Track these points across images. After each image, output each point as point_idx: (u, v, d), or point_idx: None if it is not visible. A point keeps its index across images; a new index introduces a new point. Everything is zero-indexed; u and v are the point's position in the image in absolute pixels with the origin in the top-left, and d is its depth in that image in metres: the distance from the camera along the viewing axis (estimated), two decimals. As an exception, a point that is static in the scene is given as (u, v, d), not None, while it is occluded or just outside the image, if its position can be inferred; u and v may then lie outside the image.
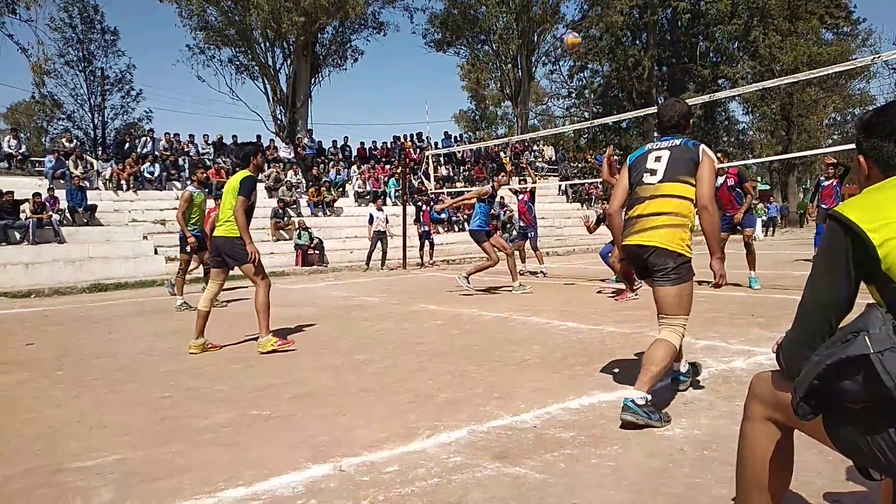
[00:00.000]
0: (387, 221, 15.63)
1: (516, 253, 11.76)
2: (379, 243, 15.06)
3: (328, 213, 19.39)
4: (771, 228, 28.24)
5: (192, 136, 20.82)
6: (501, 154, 27.03)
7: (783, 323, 1.41)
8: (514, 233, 19.83)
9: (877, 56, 11.19)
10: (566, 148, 33.48)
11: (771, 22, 32.60)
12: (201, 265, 9.07)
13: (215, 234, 5.62)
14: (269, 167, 20.54)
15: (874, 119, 1.57)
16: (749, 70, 33.16)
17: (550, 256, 18.35)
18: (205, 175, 9.28)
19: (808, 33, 32.75)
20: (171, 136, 20.38)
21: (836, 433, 1.46)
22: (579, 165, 29.22)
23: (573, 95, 43.59)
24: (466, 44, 36.09)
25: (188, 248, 8.63)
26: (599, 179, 26.52)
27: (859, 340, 1.32)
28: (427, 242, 16.61)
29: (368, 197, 20.93)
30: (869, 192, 1.48)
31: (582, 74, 40.81)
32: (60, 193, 15.32)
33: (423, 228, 16.66)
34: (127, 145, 19.97)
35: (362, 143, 24.41)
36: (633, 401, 3.03)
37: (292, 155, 21.93)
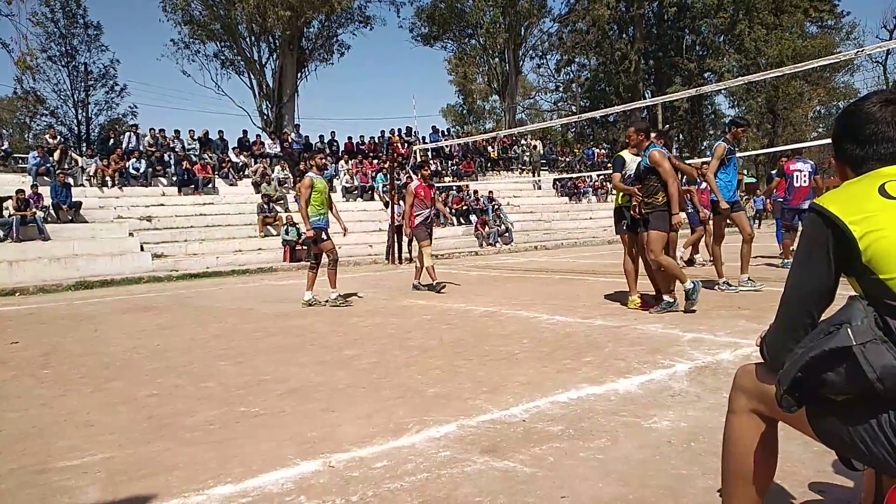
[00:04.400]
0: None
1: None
2: (395, 236, 15.29)
3: (316, 208, 19.28)
4: (757, 221, 28.48)
5: (177, 131, 20.63)
6: (489, 148, 27.02)
7: (769, 315, 1.44)
8: (495, 229, 19.91)
9: (860, 49, 11.30)
10: (553, 142, 33.52)
11: (756, 15, 32.82)
12: (326, 255, 8.11)
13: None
14: (255, 162, 20.44)
15: (839, 122, 1.61)
16: (735, 63, 33.42)
17: (539, 250, 18.42)
18: (323, 161, 8.47)
19: (793, 27, 33.05)
20: (157, 131, 20.21)
21: (820, 425, 1.47)
22: (566, 159, 29.29)
23: (560, 89, 43.71)
24: (453, 38, 36.06)
25: (308, 238, 8.10)
26: (587, 173, 26.71)
27: (842, 333, 1.33)
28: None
29: (356, 192, 20.89)
30: (848, 186, 1.50)
31: (569, 68, 40.95)
32: (44, 190, 15.16)
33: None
34: (111, 141, 19.77)
35: (350, 138, 24.32)
36: None
37: (279, 150, 21.81)
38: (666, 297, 6.22)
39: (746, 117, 8.19)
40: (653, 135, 6.51)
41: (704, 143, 42.12)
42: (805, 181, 9.64)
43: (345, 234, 9.07)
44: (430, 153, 23.56)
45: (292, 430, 3.15)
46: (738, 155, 7.86)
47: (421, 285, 9.19)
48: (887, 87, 37.88)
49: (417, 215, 9.17)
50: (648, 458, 2.60)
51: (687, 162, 9.59)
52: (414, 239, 9.66)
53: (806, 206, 9.15)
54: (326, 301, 7.96)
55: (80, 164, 17.72)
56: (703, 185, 10.00)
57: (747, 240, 7.35)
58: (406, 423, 3.17)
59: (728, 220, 7.57)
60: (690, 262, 10.96)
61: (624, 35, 36.97)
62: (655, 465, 2.52)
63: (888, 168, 1.47)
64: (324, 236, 8.01)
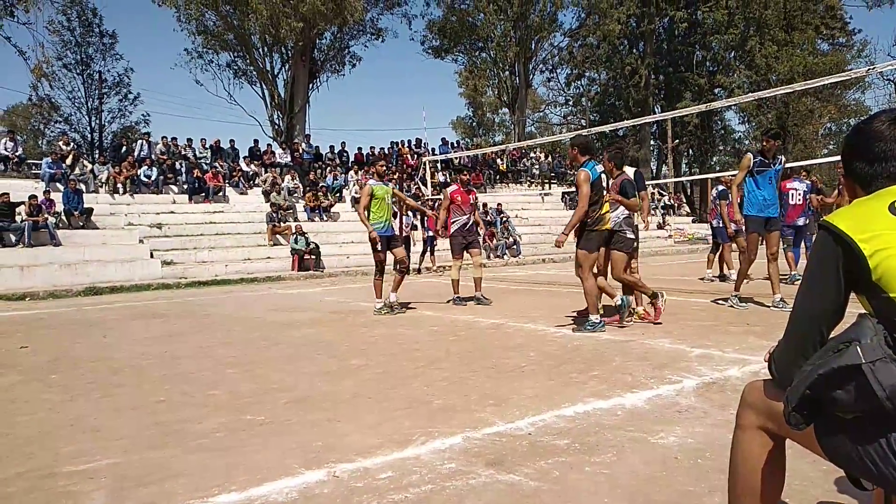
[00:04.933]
0: (412, 227, 15.91)
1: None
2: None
3: (325, 218, 19.39)
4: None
5: (189, 139, 20.84)
6: (498, 161, 27.07)
7: (778, 331, 1.44)
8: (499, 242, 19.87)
9: (871, 67, 11.29)
10: (563, 155, 33.54)
11: (767, 32, 32.82)
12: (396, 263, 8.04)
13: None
14: (266, 171, 20.57)
15: (849, 140, 1.62)
16: (745, 80, 33.36)
17: (546, 263, 18.38)
18: (384, 167, 8.40)
19: (804, 44, 33.00)
20: (169, 139, 20.39)
21: (828, 443, 1.46)
22: (575, 172, 29.29)
23: (570, 103, 43.78)
24: (464, 51, 36.24)
25: (372, 238, 7.85)
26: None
27: (851, 350, 1.32)
28: (429, 248, 16.62)
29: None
30: (858, 204, 1.50)
31: (579, 82, 41.00)
32: (57, 196, 15.31)
33: (427, 234, 16.58)
34: (124, 148, 19.96)
35: (360, 149, 24.47)
36: None
37: (290, 159, 21.95)
38: (591, 317, 6.09)
39: (776, 130, 7.70)
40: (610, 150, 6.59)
41: (714, 159, 42.05)
42: (799, 199, 10.06)
43: (436, 226, 9.18)
44: (439, 164, 23.61)
45: (298, 439, 3.15)
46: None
47: (484, 298, 8.58)
48: (899, 105, 37.74)
49: (454, 222, 8.67)
50: (655, 473, 2.59)
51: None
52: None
53: (801, 222, 10.01)
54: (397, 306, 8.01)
55: (90, 169, 17.86)
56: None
57: (770, 259, 7.21)
58: (412, 434, 3.16)
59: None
60: (723, 277, 10.91)
61: (634, 50, 37.03)
62: (662, 481, 2.51)
63: None
64: (378, 247, 7.87)
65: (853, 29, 37.14)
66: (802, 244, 10.58)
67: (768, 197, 7.10)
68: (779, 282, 7.23)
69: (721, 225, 10.62)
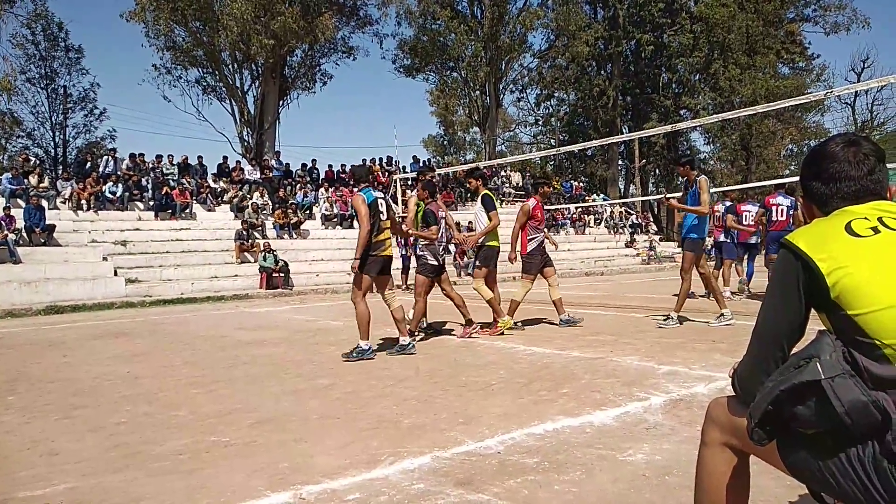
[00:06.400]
0: None
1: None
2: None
3: (294, 235, 19.24)
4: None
5: (159, 156, 20.51)
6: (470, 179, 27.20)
7: (744, 349, 1.47)
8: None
9: (830, 91, 11.72)
10: (533, 174, 33.88)
11: (731, 55, 33.71)
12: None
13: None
14: (233, 188, 20.36)
15: (806, 162, 1.67)
16: (710, 101, 34.18)
17: (517, 281, 18.43)
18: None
19: (766, 67, 33.95)
20: (137, 156, 20.07)
21: (790, 459, 1.48)
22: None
23: (540, 123, 44.34)
24: (435, 70, 36.44)
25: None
26: (566, 205, 27.03)
27: (811, 366, 1.35)
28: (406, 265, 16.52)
29: (335, 220, 20.88)
30: (818, 223, 1.54)
31: (548, 103, 41.59)
32: (17, 213, 14.93)
33: (404, 252, 16.46)
34: (88, 164, 19.59)
35: (330, 166, 24.40)
36: None
37: (259, 176, 21.77)
38: (401, 340, 6.32)
39: (685, 157, 7.68)
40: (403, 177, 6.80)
41: (680, 179, 42.85)
42: (751, 220, 10.89)
43: (463, 244, 8.93)
44: (410, 182, 23.62)
45: (263, 460, 3.09)
46: (713, 190, 7.99)
47: (573, 318, 7.98)
48: (855, 128, 38.99)
49: (531, 240, 7.96)
50: (623, 491, 2.59)
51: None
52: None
53: (753, 241, 10.96)
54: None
55: (46, 184, 17.40)
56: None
57: (681, 274, 7.46)
58: (380, 454, 3.13)
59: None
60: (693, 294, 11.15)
61: (602, 72, 37.72)
62: (630, 499, 2.51)
63: (855, 207, 1.52)
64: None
65: (812, 54, 38.43)
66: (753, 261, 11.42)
67: (687, 220, 7.41)
68: (682, 300, 7.38)
69: (728, 240, 10.93)
